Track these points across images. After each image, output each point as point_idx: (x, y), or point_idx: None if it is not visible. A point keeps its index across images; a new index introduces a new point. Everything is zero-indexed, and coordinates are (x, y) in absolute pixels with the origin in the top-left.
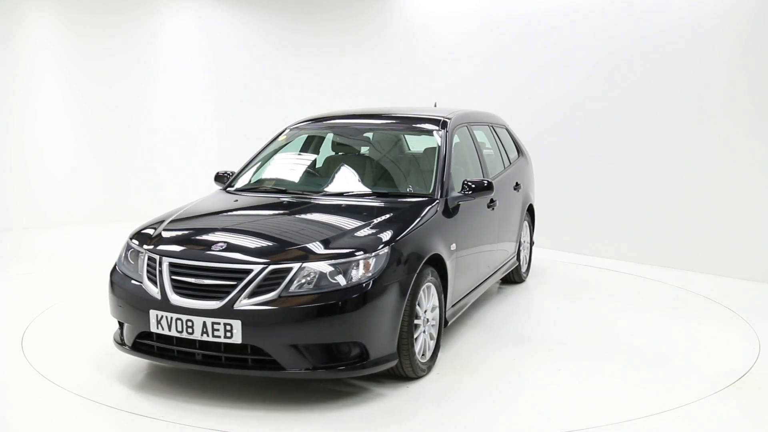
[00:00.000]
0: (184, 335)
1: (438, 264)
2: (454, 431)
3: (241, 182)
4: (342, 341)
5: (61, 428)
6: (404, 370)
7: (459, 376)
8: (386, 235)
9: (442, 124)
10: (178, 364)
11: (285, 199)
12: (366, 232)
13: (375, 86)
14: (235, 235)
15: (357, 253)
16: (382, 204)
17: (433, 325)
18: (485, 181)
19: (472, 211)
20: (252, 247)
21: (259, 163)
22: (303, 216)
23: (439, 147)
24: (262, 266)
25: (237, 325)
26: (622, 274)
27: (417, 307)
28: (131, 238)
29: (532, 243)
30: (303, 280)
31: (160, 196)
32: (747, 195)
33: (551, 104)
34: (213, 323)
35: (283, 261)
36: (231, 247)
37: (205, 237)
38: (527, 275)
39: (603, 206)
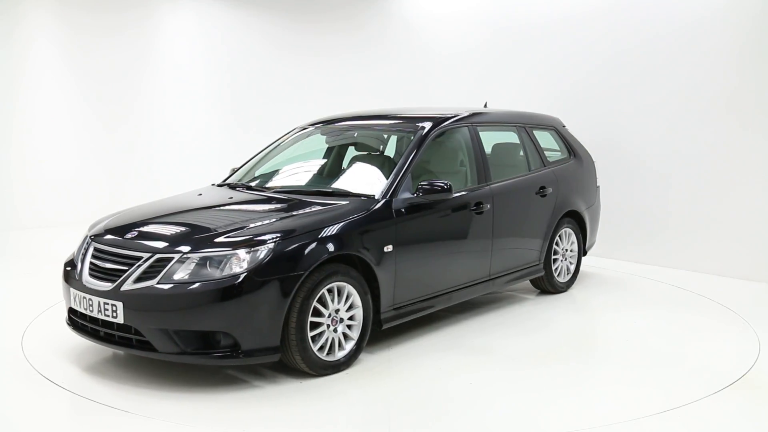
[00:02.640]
0: (87, 312)
1: (366, 265)
2: (290, 428)
3: (231, 179)
4: (208, 330)
5: (61, 428)
6: (297, 365)
7: (369, 380)
8: (275, 232)
9: (420, 126)
10: (91, 339)
11: (234, 194)
12: (261, 227)
13: (376, 86)
14: (157, 226)
15: (234, 247)
16: (313, 202)
17: (350, 326)
18: (442, 184)
19: (441, 214)
20: (155, 236)
21: (250, 162)
22: (229, 211)
23: (405, 148)
24: (149, 254)
25: (120, 306)
26: (635, 277)
27: (318, 305)
28: (89, 227)
29: (582, 252)
30: (182, 270)
31: (160, 196)
32: (747, 195)
33: (553, 104)
34: (104, 303)
35: (168, 250)
36: (140, 236)
37: (131, 226)
38: (567, 286)
39: (607, 208)
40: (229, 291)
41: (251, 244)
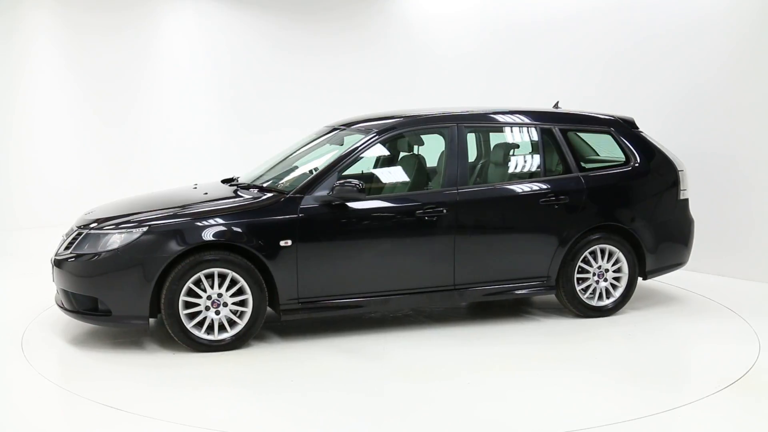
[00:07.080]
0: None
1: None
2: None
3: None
4: (86, 295)
5: (61, 428)
6: (173, 337)
7: (245, 366)
8: (153, 218)
9: (373, 129)
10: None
11: (211, 189)
12: (151, 214)
13: (376, 85)
14: (119, 209)
15: (114, 228)
16: (239, 196)
17: (237, 312)
18: (353, 184)
19: (369, 216)
20: (95, 215)
21: (271, 159)
22: (175, 202)
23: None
24: (75, 229)
25: (53, 269)
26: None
27: (194, 287)
28: None
29: (638, 276)
30: (83, 244)
31: None
32: (747, 195)
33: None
34: (52, 267)
35: (82, 228)
36: (89, 216)
37: (102, 209)
38: (608, 311)
39: None
40: (97, 265)
41: (127, 226)
